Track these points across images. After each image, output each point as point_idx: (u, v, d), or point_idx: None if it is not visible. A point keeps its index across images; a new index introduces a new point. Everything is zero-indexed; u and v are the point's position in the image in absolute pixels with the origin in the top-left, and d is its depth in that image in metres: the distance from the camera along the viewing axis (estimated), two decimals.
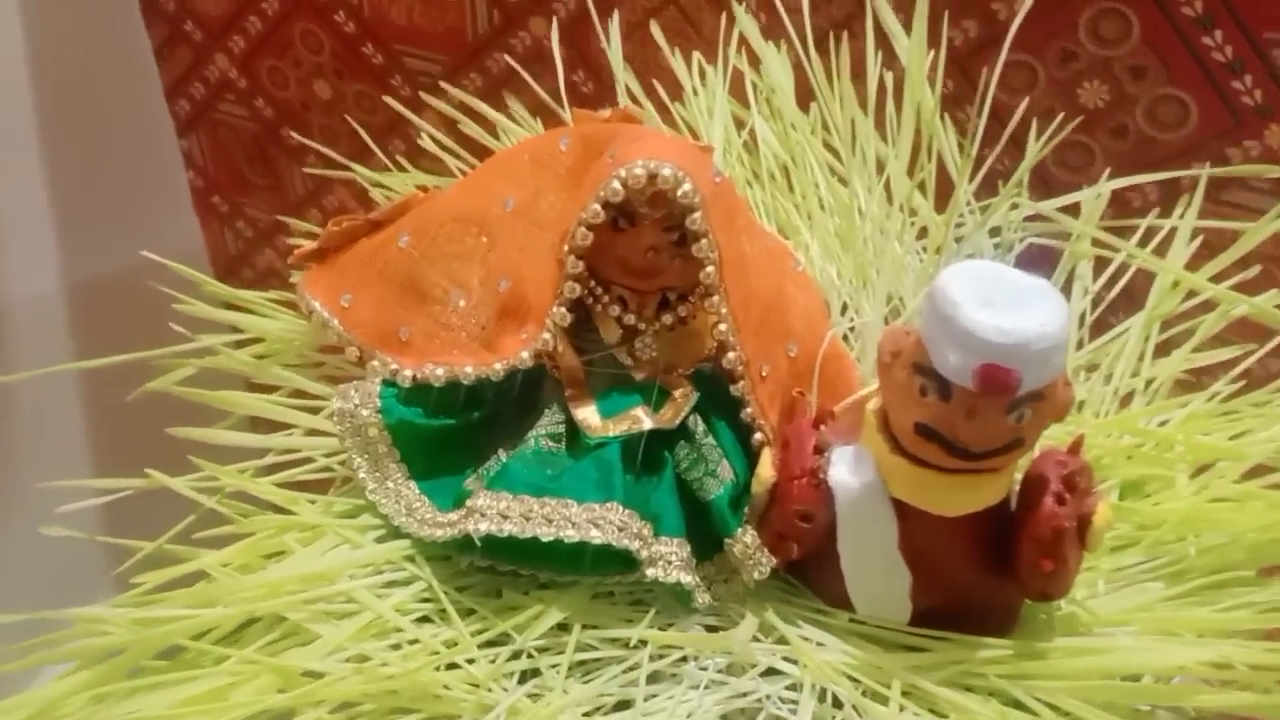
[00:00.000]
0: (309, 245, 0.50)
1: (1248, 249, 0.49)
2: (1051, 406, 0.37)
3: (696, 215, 0.40)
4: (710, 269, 0.41)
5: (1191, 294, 0.50)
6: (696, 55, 0.61)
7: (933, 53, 0.52)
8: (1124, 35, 0.62)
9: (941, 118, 0.54)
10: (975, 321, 0.34)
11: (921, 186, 0.53)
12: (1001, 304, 0.35)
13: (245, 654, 0.38)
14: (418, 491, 0.43)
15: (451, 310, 0.46)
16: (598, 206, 0.40)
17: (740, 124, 0.58)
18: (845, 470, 0.40)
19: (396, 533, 0.42)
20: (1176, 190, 0.59)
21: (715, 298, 0.42)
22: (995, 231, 0.53)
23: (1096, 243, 0.50)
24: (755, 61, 0.60)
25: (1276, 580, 0.41)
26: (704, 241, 0.41)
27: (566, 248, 0.41)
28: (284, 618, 0.40)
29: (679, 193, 0.40)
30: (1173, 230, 0.52)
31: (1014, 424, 0.36)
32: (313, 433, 0.47)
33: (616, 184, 0.40)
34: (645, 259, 0.42)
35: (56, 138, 0.87)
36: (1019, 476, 0.40)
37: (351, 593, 0.40)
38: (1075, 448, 0.40)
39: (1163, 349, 0.50)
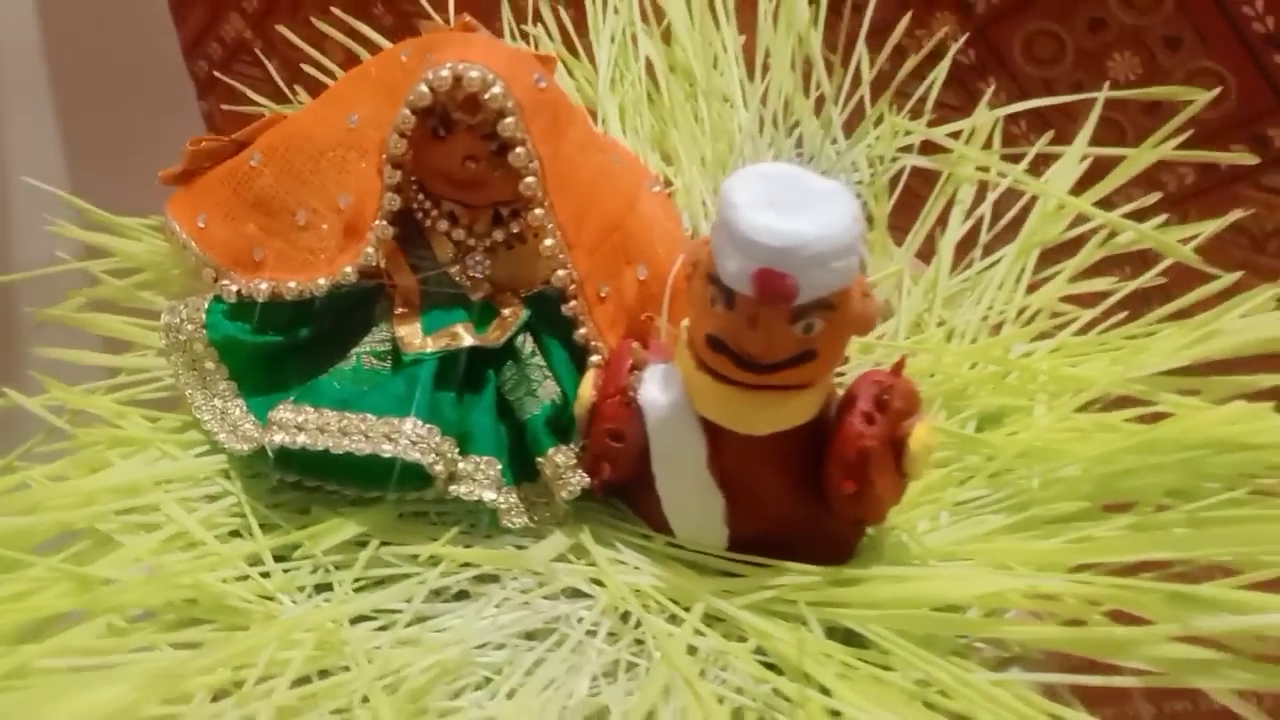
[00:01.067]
0: (175, 167, 0.50)
1: (1132, 174, 0.46)
2: (847, 318, 0.35)
3: (509, 120, 0.39)
4: (531, 179, 0.40)
5: (1081, 221, 0.47)
6: None
7: None
8: (1157, 3, 0.58)
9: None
10: (751, 223, 0.33)
11: (819, 103, 0.51)
12: (784, 206, 0.33)
13: (48, 561, 0.38)
14: (245, 409, 0.43)
15: (313, 233, 0.46)
16: (407, 111, 0.39)
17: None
18: (655, 388, 0.38)
19: (218, 449, 0.42)
20: (1215, 174, 0.55)
21: (539, 210, 0.40)
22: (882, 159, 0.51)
23: (980, 168, 0.48)
24: None
25: (1122, 516, 0.39)
26: (520, 150, 0.39)
27: (384, 157, 0.40)
28: (96, 529, 0.40)
29: (487, 95, 0.38)
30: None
31: (802, 335, 0.34)
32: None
33: (423, 86, 0.39)
34: (465, 169, 0.41)
35: (73, 101, 0.86)
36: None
37: (160, 505, 0.40)
38: (896, 368, 0.38)
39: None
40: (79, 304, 0.51)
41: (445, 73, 0.38)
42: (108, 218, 0.52)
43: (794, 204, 0.33)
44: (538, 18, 0.59)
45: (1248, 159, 0.47)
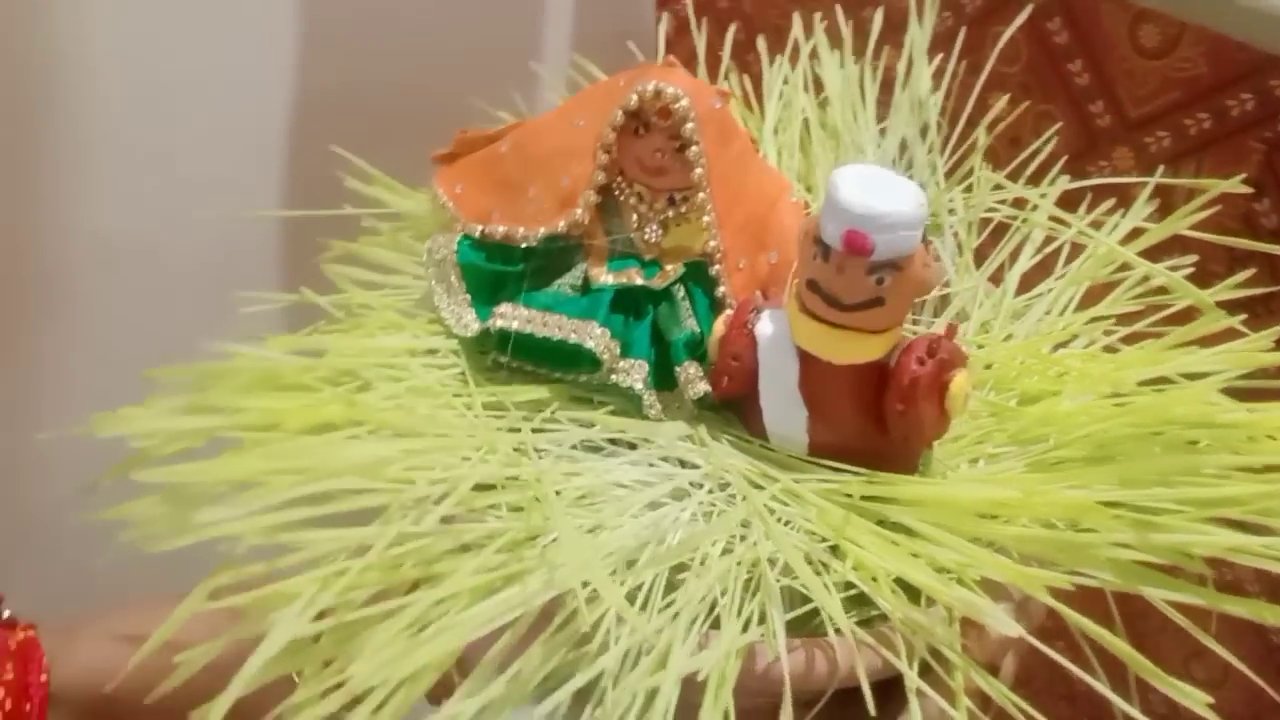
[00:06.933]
0: (444, 150, 0.68)
1: (1168, 234, 0.58)
2: (910, 278, 0.48)
3: (690, 125, 0.54)
4: (699, 170, 0.55)
5: (1125, 268, 0.60)
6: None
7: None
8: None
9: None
10: (846, 196, 0.47)
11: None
12: (871, 189, 0.47)
13: (334, 390, 0.55)
14: (474, 313, 0.59)
15: (537, 204, 0.62)
16: (619, 112, 0.55)
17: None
18: (767, 323, 0.53)
19: (451, 335, 0.58)
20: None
21: (702, 195, 0.56)
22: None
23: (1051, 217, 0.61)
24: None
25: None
26: (695, 148, 0.55)
27: (598, 144, 0.57)
28: (362, 375, 0.56)
29: (676, 105, 0.54)
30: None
31: (874, 285, 0.48)
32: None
33: (634, 96, 0.55)
34: (655, 158, 0.56)
35: None
36: None
37: (408, 365, 0.56)
38: (949, 331, 0.51)
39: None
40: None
41: (650, 87, 0.54)
42: (386, 179, 0.71)
43: (879, 189, 0.47)
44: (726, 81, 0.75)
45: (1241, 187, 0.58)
